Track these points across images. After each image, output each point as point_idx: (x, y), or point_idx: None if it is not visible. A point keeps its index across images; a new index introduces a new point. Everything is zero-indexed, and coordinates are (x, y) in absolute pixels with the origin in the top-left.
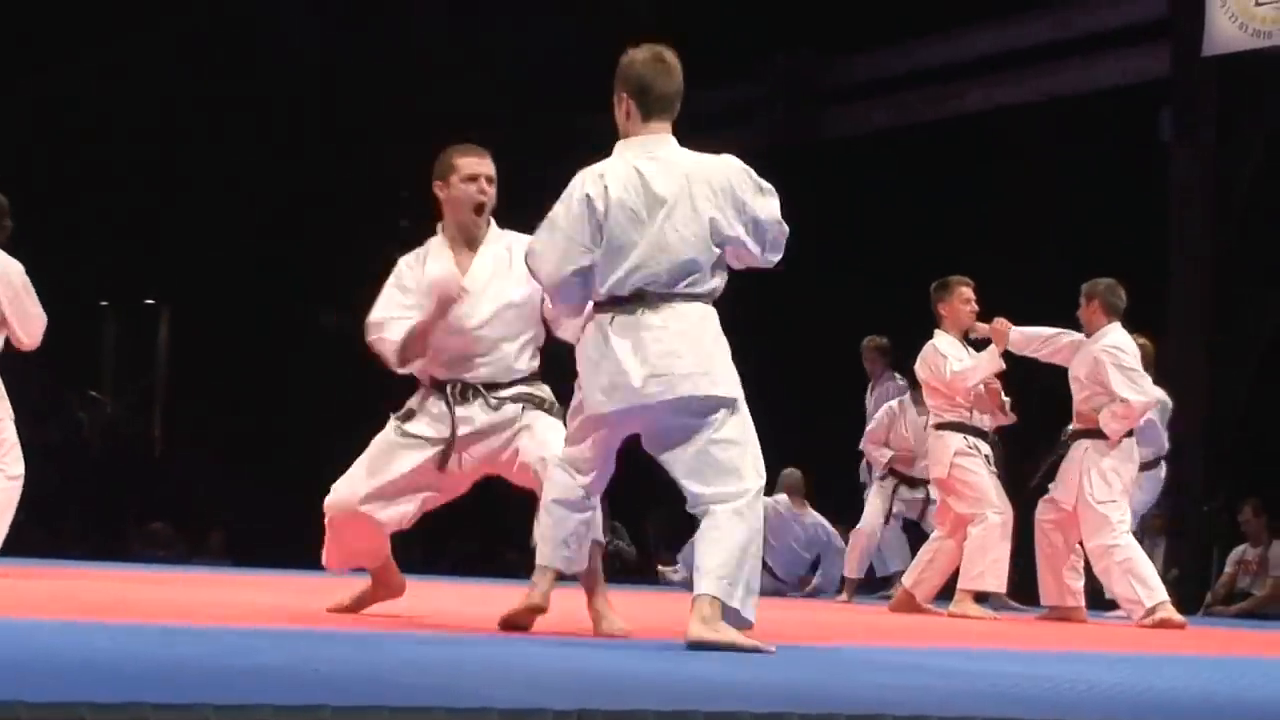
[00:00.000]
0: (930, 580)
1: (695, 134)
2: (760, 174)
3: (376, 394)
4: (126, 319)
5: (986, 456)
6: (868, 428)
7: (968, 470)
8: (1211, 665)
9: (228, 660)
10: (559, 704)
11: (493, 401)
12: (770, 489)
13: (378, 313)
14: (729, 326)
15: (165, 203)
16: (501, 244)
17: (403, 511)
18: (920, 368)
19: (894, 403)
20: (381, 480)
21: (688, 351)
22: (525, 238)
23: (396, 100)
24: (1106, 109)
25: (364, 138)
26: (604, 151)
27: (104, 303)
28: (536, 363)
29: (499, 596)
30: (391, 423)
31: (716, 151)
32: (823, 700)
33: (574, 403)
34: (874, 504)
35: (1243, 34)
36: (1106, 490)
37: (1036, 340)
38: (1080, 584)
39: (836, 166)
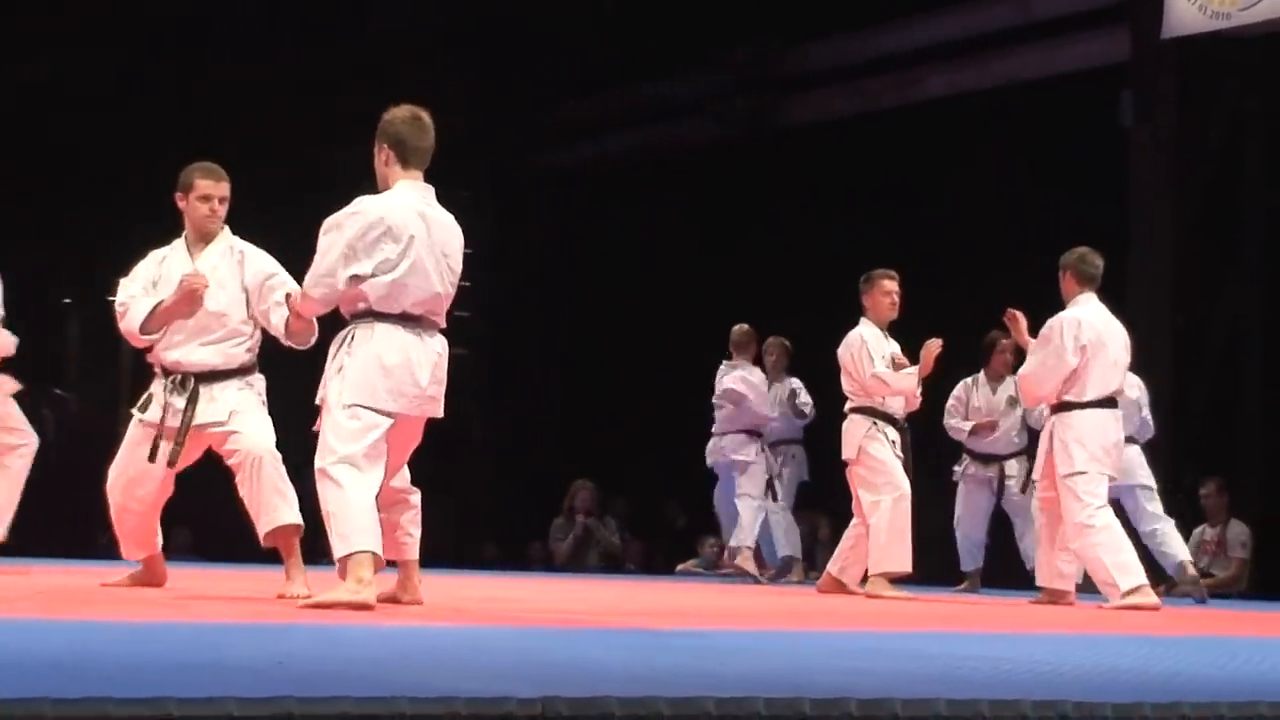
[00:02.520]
0: (855, 566)
1: (658, 124)
2: (722, 163)
3: None
4: (91, 316)
5: (894, 441)
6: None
7: (874, 454)
8: (1176, 645)
9: (191, 654)
10: (523, 692)
11: (214, 391)
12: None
13: (122, 295)
14: (695, 315)
15: (131, 199)
16: (233, 246)
17: (154, 495)
18: (844, 352)
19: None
20: (128, 470)
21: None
22: (253, 247)
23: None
24: (1067, 93)
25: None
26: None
27: (67, 300)
28: (254, 357)
29: (467, 587)
30: (135, 413)
31: (684, 142)
32: (787, 686)
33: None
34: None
35: (1201, 16)
36: (1069, 463)
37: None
38: (1072, 567)
39: (798, 155)
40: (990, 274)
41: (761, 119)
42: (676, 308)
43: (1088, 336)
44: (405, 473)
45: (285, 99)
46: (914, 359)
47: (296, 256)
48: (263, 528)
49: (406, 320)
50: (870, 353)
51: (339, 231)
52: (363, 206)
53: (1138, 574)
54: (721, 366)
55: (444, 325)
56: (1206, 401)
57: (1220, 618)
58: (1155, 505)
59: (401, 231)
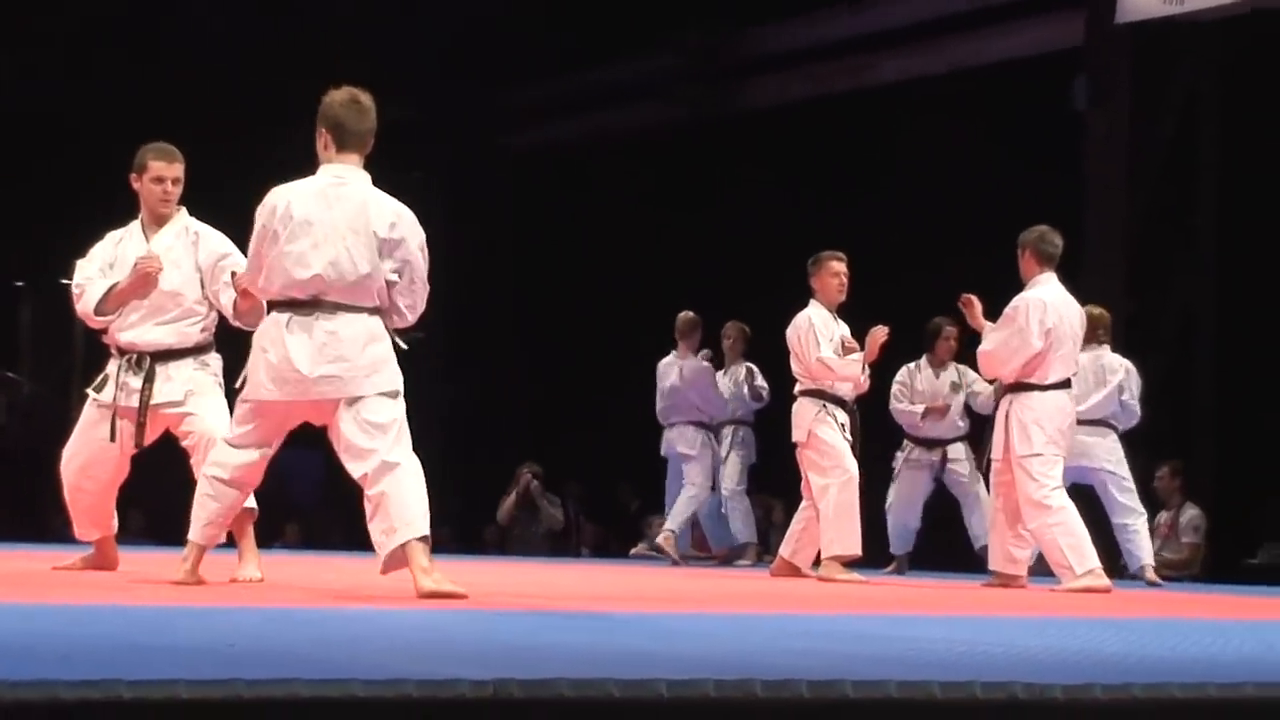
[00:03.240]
0: (807, 548)
1: (612, 107)
2: (677, 147)
3: None
4: (43, 299)
5: (843, 424)
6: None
7: (823, 437)
8: (1128, 626)
9: (141, 637)
10: (475, 675)
11: (169, 370)
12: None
13: (78, 277)
14: (649, 299)
15: (82, 182)
16: (187, 226)
17: (109, 476)
18: (791, 335)
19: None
20: (83, 451)
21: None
22: (207, 228)
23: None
24: (1021, 79)
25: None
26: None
27: (19, 283)
28: (209, 337)
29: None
30: (90, 393)
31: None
32: (738, 668)
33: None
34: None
35: (1156, 1)
36: (1027, 444)
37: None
38: (1025, 552)
39: (751, 139)
40: (943, 258)
41: (715, 103)
42: (630, 291)
43: (1052, 319)
44: (362, 458)
45: (240, 80)
46: (864, 342)
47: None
48: None
49: (294, 305)
50: (817, 336)
51: (257, 221)
52: (268, 197)
53: (1091, 557)
54: (665, 360)
55: (371, 304)
56: (1160, 387)
57: (1171, 600)
58: (1128, 497)
59: (288, 215)
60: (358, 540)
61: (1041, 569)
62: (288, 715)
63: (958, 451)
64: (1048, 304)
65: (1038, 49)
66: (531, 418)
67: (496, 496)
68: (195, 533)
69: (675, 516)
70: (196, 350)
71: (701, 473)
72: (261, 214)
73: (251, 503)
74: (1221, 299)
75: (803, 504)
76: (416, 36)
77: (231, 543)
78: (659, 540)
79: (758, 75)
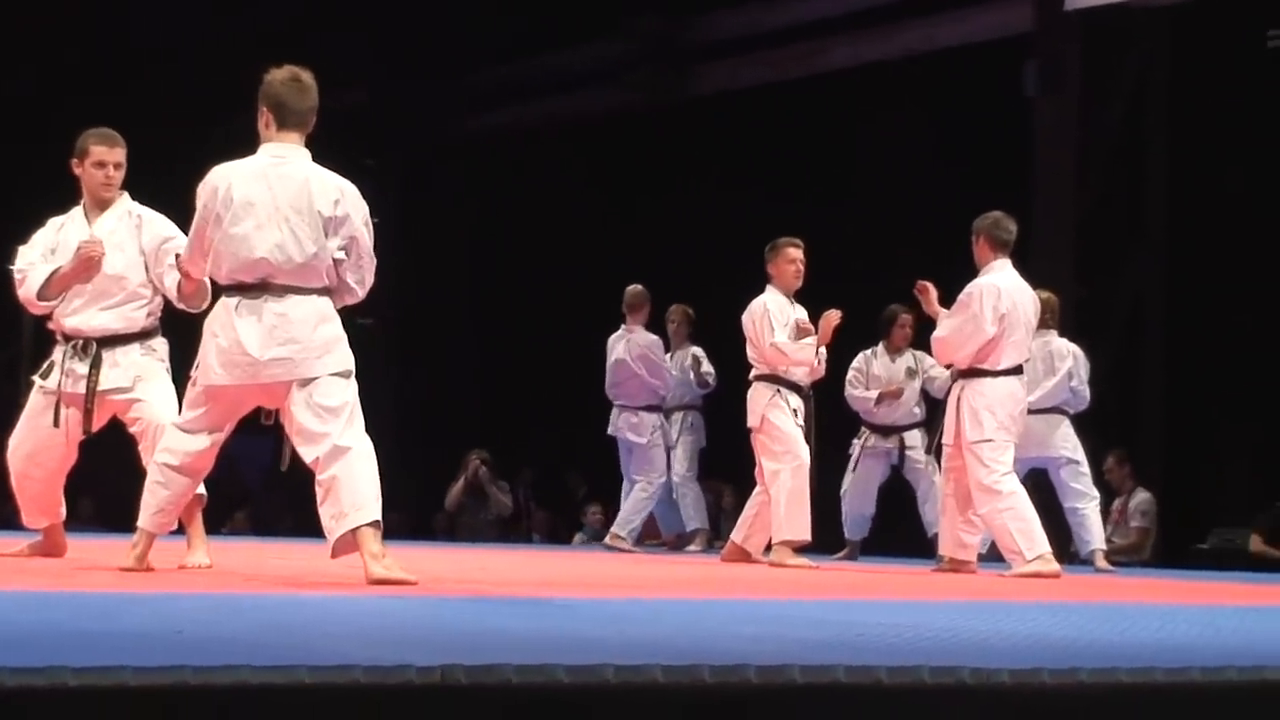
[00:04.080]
0: (759, 534)
1: (566, 93)
2: (630, 133)
3: None
4: None
5: (796, 410)
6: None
7: (776, 423)
8: (1076, 611)
9: (88, 624)
10: (422, 660)
11: (116, 356)
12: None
13: (20, 263)
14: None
15: (27, 167)
16: (130, 210)
17: (57, 463)
18: (746, 320)
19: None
20: (29, 438)
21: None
22: (151, 211)
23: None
24: (972, 64)
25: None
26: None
27: None
28: (155, 321)
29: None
30: (37, 380)
31: (592, 111)
32: (686, 653)
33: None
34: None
35: None
36: (978, 430)
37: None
38: (975, 537)
39: (705, 124)
40: (897, 244)
41: (668, 88)
42: (583, 277)
43: (1006, 305)
44: (313, 441)
45: (188, 66)
46: (819, 326)
47: None
48: None
49: (243, 289)
50: (772, 321)
51: (197, 203)
52: (207, 177)
53: (1041, 543)
54: (614, 335)
55: (318, 284)
56: (1109, 372)
57: (1119, 585)
58: (1081, 482)
59: (229, 197)
60: (308, 526)
61: (993, 555)
62: (235, 702)
63: (915, 439)
64: (1001, 290)
65: (989, 35)
66: (484, 404)
67: (447, 483)
68: (145, 520)
69: (627, 521)
70: (143, 335)
71: (653, 467)
72: (202, 195)
73: (201, 489)
74: (1170, 285)
75: (756, 489)
76: (370, 22)
77: (181, 529)
78: (608, 541)
79: (710, 61)
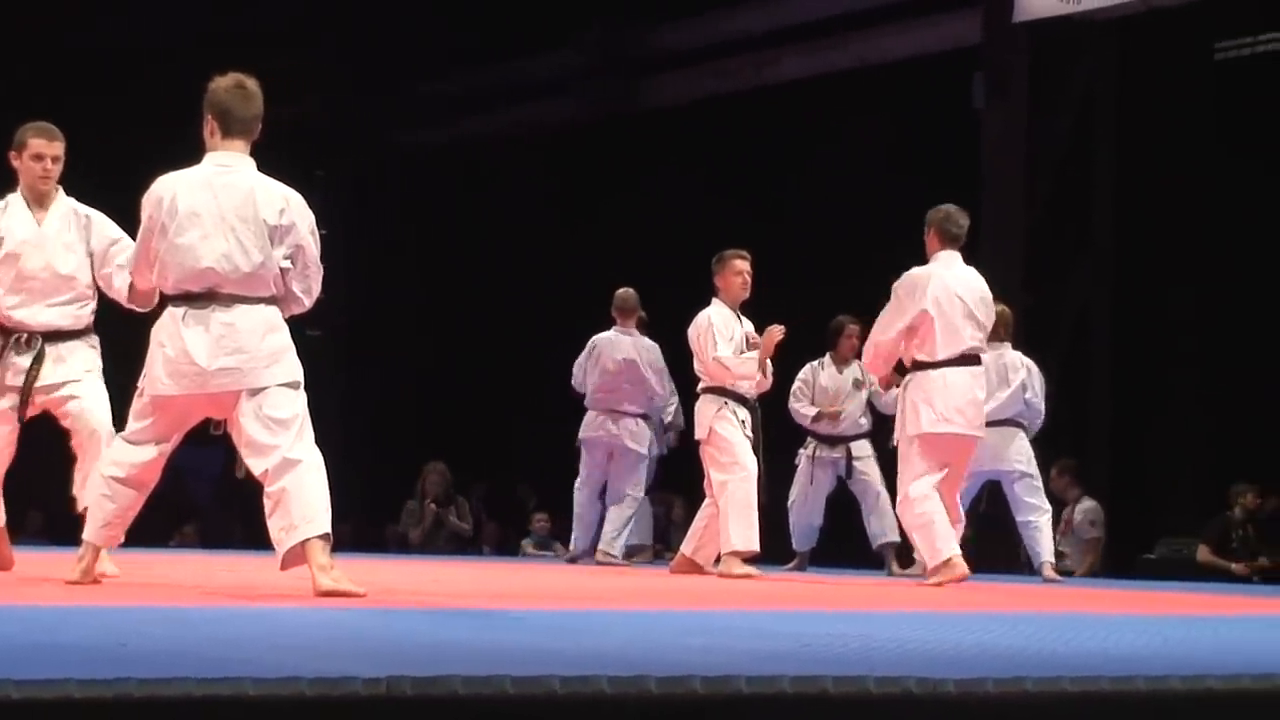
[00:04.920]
0: (709, 545)
1: (517, 104)
2: (581, 144)
3: None
4: None
5: (743, 421)
6: None
7: (723, 434)
8: (1021, 621)
9: (32, 636)
10: (368, 672)
11: (61, 351)
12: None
13: None
14: (553, 297)
15: None
16: (76, 210)
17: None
18: (692, 333)
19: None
20: None
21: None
22: (97, 213)
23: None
24: (921, 76)
25: None
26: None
27: None
28: (92, 320)
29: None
30: None
31: (544, 122)
32: (633, 664)
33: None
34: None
35: (1052, 0)
36: (916, 423)
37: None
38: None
39: (656, 135)
40: (845, 255)
41: (620, 99)
42: (534, 290)
43: (936, 291)
44: (263, 453)
45: (140, 75)
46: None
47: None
48: (85, 500)
49: (190, 299)
50: (716, 336)
51: (143, 213)
52: (153, 187)
53: (948, 546)
54: (606, 336)
55: (265, 294)
56: (1056, 382)
57: (1066, 595)
58: (1035, 496)
59: (174, 207)
60: (258, 539)
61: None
62: (180, 714)
63: (863, 449)
64: (932, 276)
65: (939, 46)
66: (435, 415)
67: (400, 495)
68: (91, 533)
69: (616, 535)
70: (85, 332)
71: (642, 479)
72: (148, 205)
73: None
74: (1117, 294)
75: (705, 501)
76: (321, 33)
77: (131, 542)
78: (598, 558)
79: (661, 72)
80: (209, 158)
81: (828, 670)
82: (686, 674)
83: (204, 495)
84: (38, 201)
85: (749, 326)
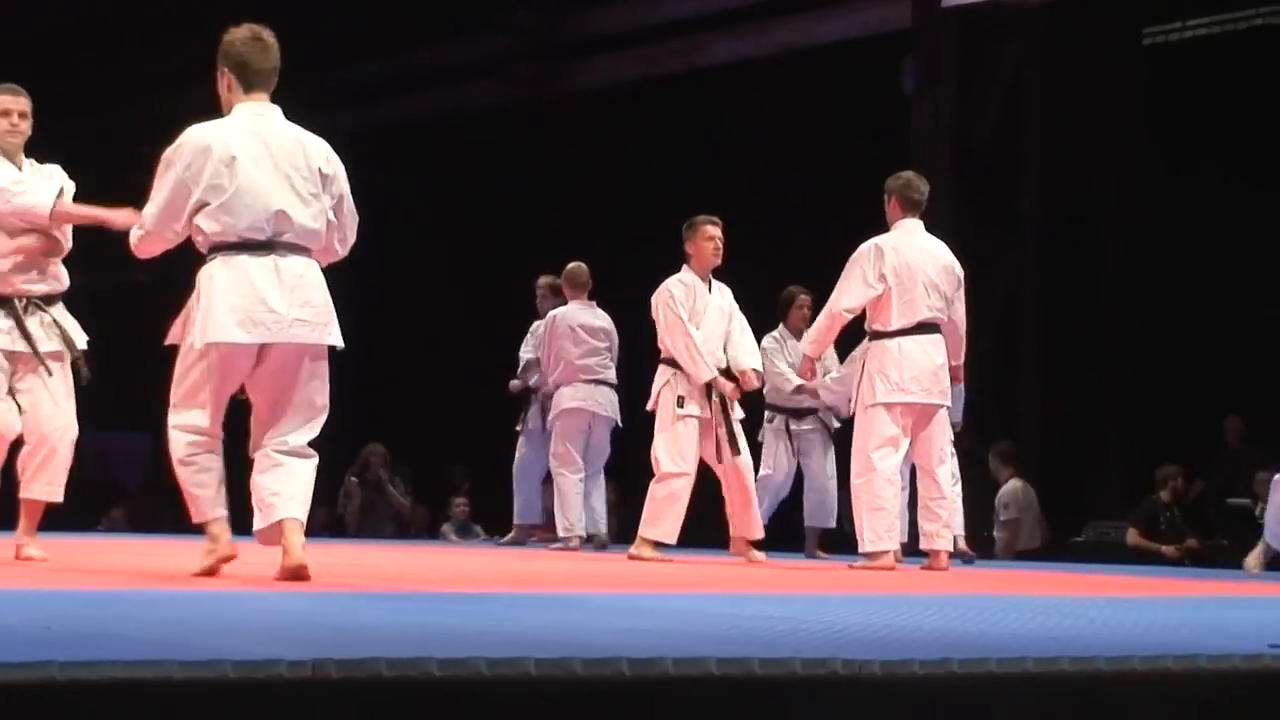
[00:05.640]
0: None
1: (443, 87)
2: (508, 126)
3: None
4: None
5: (681, 397)
6: None
7: (663, 410)
8: (948, 603)
9: None
10: (293, 654)
11: (48, 316)
12: None
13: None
14: (481, 280)
15: None
16: (53, 173)
17: None
18: (655, 300)
19: None
20: None
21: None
22: (55, 167)
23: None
24: (852, 61)
25: None
26: None
27: None
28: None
29: (248, 551)
30: None
31: (470, 105)
32: (559, 646)
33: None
34: None
35: None
36: (871, 394)
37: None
38: (933, 525)
39: (581, 120)
40: (775, 239)
41: (547, 83)
42: (462, 273)
43: (892, 262)
44: (294, 431)
45: (69, 58)
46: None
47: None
48: (35, 492)
49: (250, 247)
50: (677, 309)
51: (169, 169)
52: (188, 137)
53: (886, 539)
54: (569, 309)
55: (307, 245)
56: (985, 369)
57: (994, 577)
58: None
59: (227, 154)
60: (186, 524)
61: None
62: (104, 698)
63: (809, 423)
64: (885, 248)
65: (868, 31)
66: (367, 398)
67: (332, 480)
68: (214, 509)
69: (576, 510)
70: (64, 296)
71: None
72: (185, 155)
73: (56, 496)
74: (1045, 279)
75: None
76: (242, 15)
77: (58, 526)
78: (572, 545)
79: (589, 55)
80: (242, 108)
81: (755, 652)
82: (613, 656)
83: (132, 479)
84: (7, 157)
85: (729, 297)
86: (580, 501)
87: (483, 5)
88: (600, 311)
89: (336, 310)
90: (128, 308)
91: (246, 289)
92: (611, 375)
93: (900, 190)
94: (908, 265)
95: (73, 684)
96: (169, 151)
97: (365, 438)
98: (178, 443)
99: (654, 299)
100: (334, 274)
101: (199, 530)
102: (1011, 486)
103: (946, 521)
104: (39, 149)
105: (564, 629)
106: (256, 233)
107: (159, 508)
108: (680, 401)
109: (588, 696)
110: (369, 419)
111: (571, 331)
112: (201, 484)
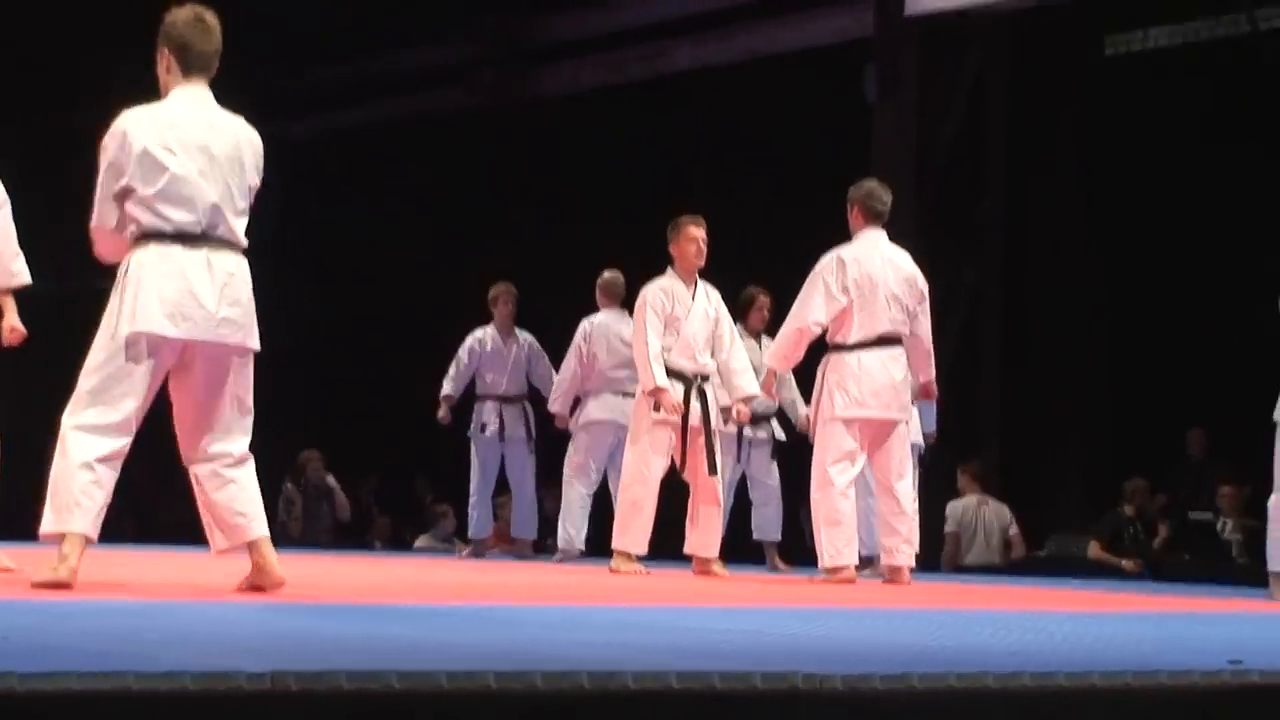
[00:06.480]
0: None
1: (406, 93)
2: (470, 133)
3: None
4: None
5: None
6: None
7: (638, 414)
8: (911, 618)
9: None
10: (252, 666)
11: None
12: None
13: None
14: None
15: None
16: None
17: None
18: (638, 303)
19: None
20: None
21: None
22: None
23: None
24: (813, 68)
25: None
26: None
27: None
28: None
29: (200, 562)
30: None
31: (433, 111)
32: (519, 659)
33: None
34: None
35: None
36: (830, 407)
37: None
38: (891, 540)
39: (546, 126)
40: (736, 245)
41: (511, 89)
42: (425, 280)
43: (853, 274)
44: (229, 435)
45: (25, 59)
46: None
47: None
48: None
49: (184, 239)
50: (648, 319)
51: (105, 153)
52: (124, 120)
53: (844, 554)
54: (603, 318)
55: (241, 242)
56: (946, 378)
57: (957, 592)
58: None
59: (163, 141)
60: (148, 533)
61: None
62: (62, 709)
63: (765, 430)
64: (847, 260)
65: (831, 39)
66: (322, 408)
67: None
68: (86, 524)
69: (580, 524)
70: None
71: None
72: (125, 139)
73: None
74: (1007, 289)
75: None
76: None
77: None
78: (571, 558)
79: (552, 62)
80: (177, 94)
81: (715, 665)
82: (573, 669)
83: None
84: None
85: (716, 300)
86: (585, 516)
87: (446, 11)
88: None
89: (292, 317)
90: (94, 313)
91: (179, 281)
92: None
93: (863, 200)
94: (870, 277)
95: (32, 695)
96: (106, 137)
97: (319, 445)
98: (81, 444)
99: (639, 299)
100: (290, 278)
101: (162, 538)
102: (962, 502)
103: (907, 536)
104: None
105: (524, 642)
106: (192, 225)
107: (120, 516)
108: (656, 408)
109: (548, 710)
110: (320, 427)
111: (606, 341)
112: (91, 496)
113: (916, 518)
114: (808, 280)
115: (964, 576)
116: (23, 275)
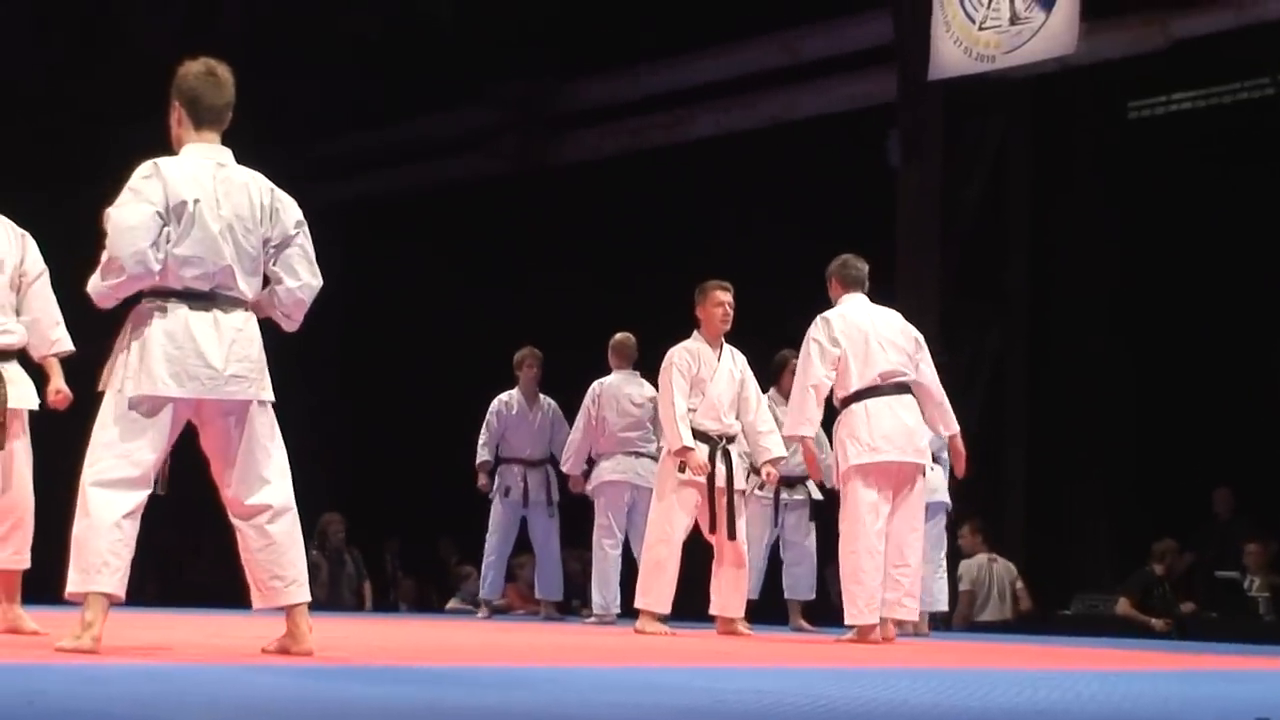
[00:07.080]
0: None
1: (431, 159)
2: (496, 199)
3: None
4: None
5: (682, 463)
6: None
7: (663, 475)
8: (936, 677)
9: None
10: None
11: (10, 372)
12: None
13: None
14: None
15: None
16: (13, 225)
17: None
18: (663, 367)
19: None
20: None
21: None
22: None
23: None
24: (836, 134)
25: None
26: None
27: None
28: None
29: (231, 625)
30: None
31: (458, 178)
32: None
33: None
34: None
35: (966, 58)
36: (845, 459)
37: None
38: (892, 594)
39: (570, 193)
40: (760, 311)
41: (534, 156)
42: (449, 345)
43: (840, 327)
44: (264, 486)
45: (53, 124)
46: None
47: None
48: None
49: (191, 297)
50: (674, 381)
51: (140, 194)
52: (160, 168)
53: (866, 612)
54: (616, 379)
55: (247, 299)
56: (971, 440)
57: (982, 650)
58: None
59: (180, 197)
60: (170, 596)
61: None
62: None
63: (801, 491)
64: (831, 317)
65: (854, 104)
66: (348, 472)
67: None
68: (113, 585)
69: (613, 587)
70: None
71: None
72: (155, 185)
73: (24, 563)
74: (1032, 350)
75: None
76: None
77: (49, 600)
78: (607, 621)
79: (576, 129)
80: (194, 150)
81: None
82: None
83: None
84: None
85: (742, 363)
86: (616, 578)
87: (472, 78)
88: (645, 383)
89: (319, 380)
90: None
91: (184, 340)
92: (653, 448)
93: (838, 271)
94: (857, 326)
95: None
96: (137, 179)
97: (344, 507)
98: (104, 502)
99: (664, 362)
100: (318, 344)
101: (184, 602)
102: (975, 560)
103: (909, 590)
104: None
105: (551, 704)
106: (201, 282)
107: (141, 579)
108: (681, 468)
109: None
110: (346, 489)
111: (616, 403)
112: (119, 554)
113: (940, 572)
114: (801, 350)
115: (983, 635)
116: (63, 343)
